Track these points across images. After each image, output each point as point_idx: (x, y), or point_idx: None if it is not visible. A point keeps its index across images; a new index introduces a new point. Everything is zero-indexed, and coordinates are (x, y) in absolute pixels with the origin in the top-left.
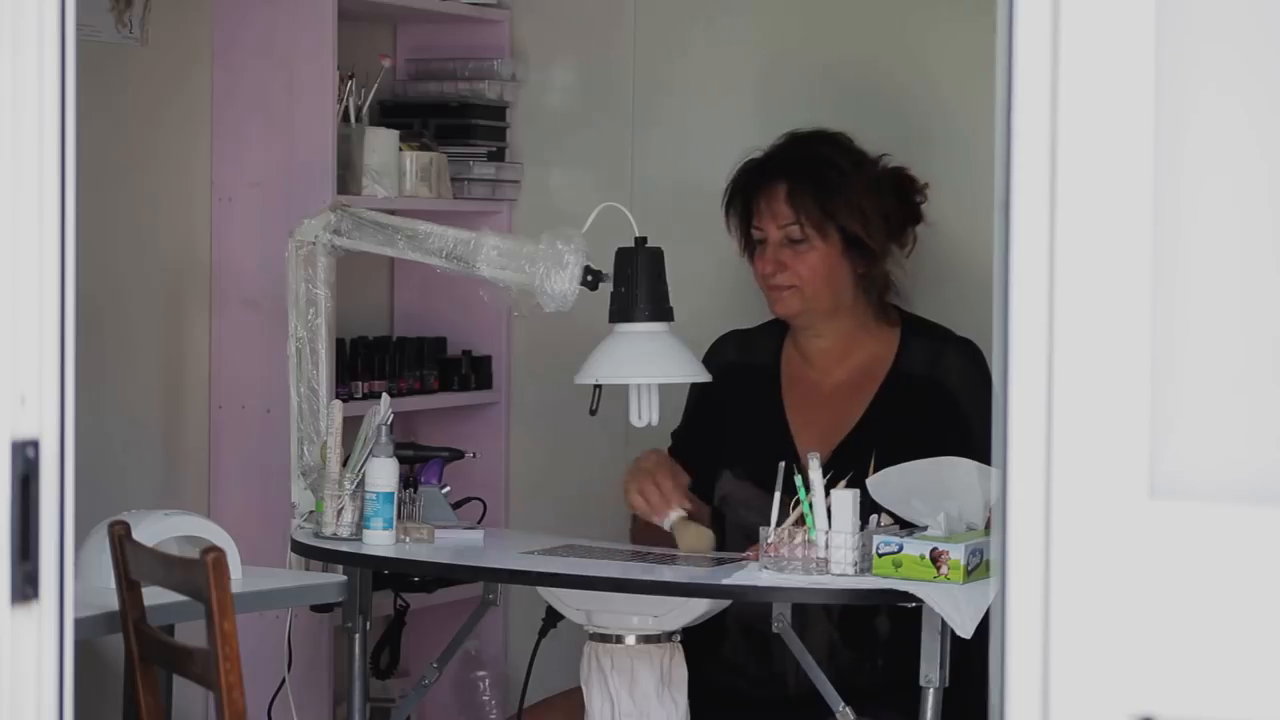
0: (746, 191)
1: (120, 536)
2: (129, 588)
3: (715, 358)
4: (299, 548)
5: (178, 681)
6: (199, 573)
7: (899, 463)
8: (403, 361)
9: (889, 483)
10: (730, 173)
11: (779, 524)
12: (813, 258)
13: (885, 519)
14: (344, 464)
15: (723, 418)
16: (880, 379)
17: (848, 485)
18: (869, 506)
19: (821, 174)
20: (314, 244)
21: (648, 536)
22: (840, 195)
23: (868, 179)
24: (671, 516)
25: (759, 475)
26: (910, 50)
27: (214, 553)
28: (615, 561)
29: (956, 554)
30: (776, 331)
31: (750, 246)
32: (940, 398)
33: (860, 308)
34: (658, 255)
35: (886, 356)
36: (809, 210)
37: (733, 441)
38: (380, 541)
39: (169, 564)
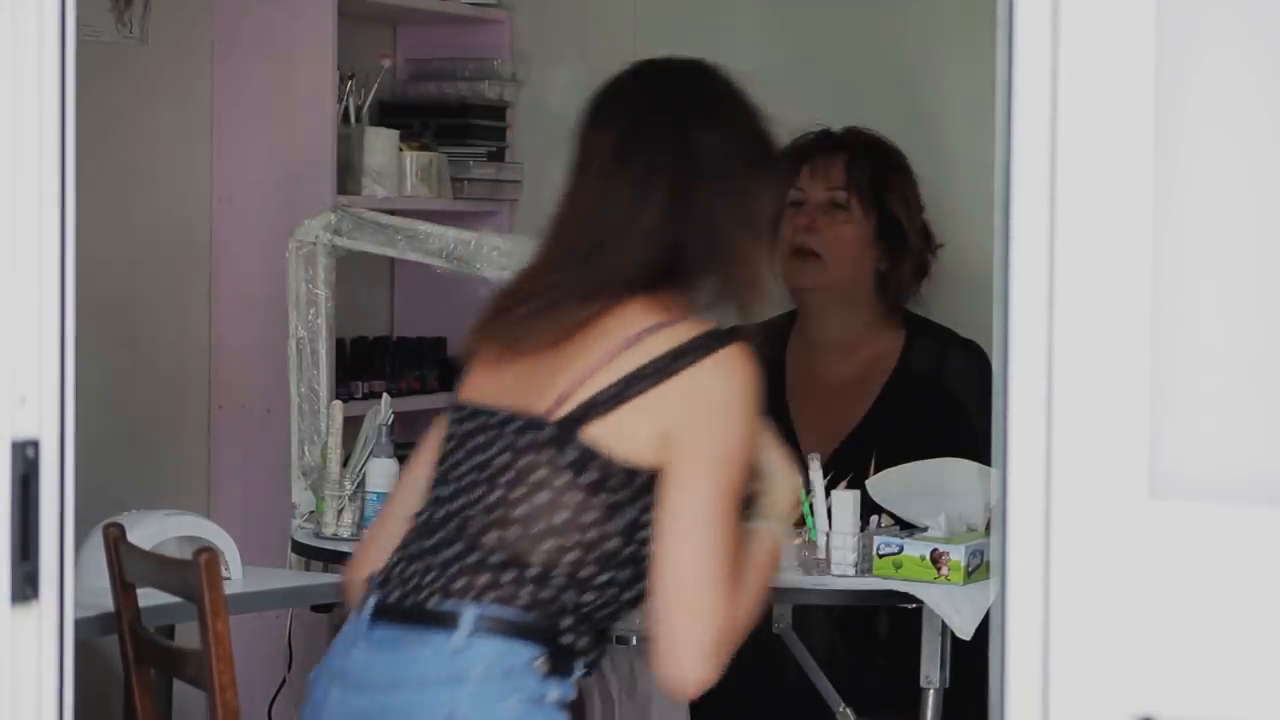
0: (800, 155)
1: (115, 539)
2: (124, 590)
3: None
4: (299, 548)
5: (178, 681)
6: (192, 573)
7: (902, 463)
8: (403, 361)
9: (889, 483)
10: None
11: None
12: (848, 230)
13: (886, 520)
14: (344, 464)
15: None
16: (884, 379)
17: (848, 486)
18: (869, 507)
19: (884, 155)
20: (314, 244)
21: None
22: (895, 180)
23: (916, 190)
24: None
25: None
26: (911, 49)
27: (206, 553)
28: None
29: (957, 555)
30: (781, 326)
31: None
32: (945, 399)
33: (872, 304)
34: None
35: (891, 356)
36: (862, 181)
37: None
38: None
39: (163, 565)
